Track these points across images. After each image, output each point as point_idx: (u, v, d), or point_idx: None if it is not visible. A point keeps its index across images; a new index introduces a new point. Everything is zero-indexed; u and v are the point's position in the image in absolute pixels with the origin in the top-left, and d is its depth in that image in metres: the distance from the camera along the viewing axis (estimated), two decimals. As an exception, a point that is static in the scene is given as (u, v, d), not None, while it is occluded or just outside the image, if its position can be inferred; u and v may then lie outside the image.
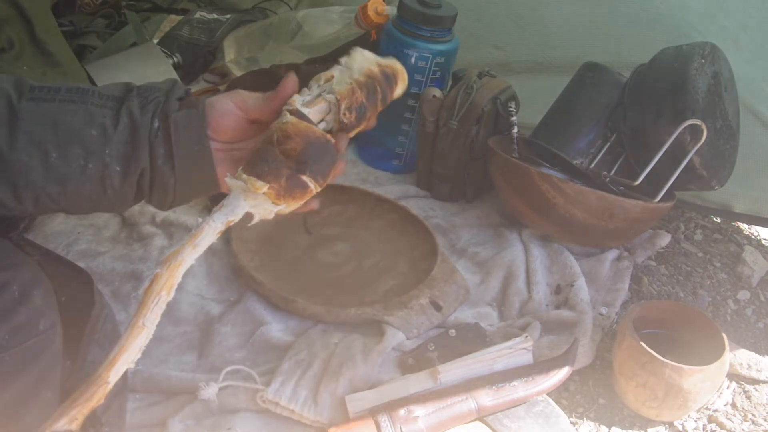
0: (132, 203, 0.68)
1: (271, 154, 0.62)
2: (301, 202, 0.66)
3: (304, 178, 0.63)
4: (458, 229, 1.17)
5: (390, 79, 0.79)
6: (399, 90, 0.78)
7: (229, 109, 0.67)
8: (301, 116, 0.66)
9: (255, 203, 0.63)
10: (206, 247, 0.60)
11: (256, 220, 0.65)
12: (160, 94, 0.67)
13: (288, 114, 0.64)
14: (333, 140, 0.65)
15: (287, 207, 0.65)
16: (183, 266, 0.58)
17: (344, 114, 0.73)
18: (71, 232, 1.06)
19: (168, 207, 0.70)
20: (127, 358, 0.56)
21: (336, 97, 0.73)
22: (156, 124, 0.65)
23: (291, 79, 0.67)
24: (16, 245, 0.74)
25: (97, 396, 0.54)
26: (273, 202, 0.64)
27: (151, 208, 1.09)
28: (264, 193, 0.62)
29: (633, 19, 1.19)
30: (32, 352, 0.61)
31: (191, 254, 0.59)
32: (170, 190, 0.66)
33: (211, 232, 0.60)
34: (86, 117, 0.63)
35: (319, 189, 0.65)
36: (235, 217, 0.62)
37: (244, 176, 0.62)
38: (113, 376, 0.55)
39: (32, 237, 1.01)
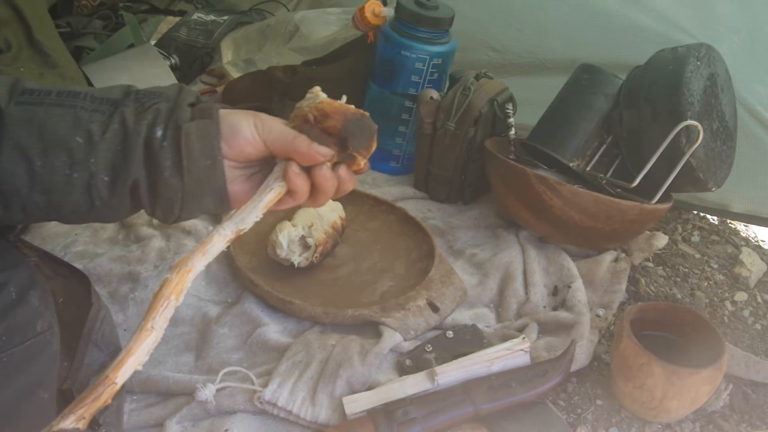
0: (128, 214, 0.64)
1: (314, 132, 0.64)
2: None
3: (350, 152, 0.65)
4: (456, 230, 1.17)
5: (343, 230, 1.07)
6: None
7: (249, 135, 0.62)
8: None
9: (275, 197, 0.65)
10: (216, 255, 0.62)
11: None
12: (161, 100, 0.62)
13: (321, 93, 0.66)
14: (367, 113, 0.66)
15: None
16: (193, 272, 0.60)
17: (316, 257, 1.00)
18: (68, 233, 1.06)
19: (173, 221, 0.65)
20: (135, 360, 0.57)
21: (315, 243, 0.98)
22: (159, 133, 0.60)
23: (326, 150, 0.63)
24: (14, 246, 0.74)
25: (104, 396, 0.55)
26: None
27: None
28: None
29: (629, 22, 1.20)
30: (29, 353, 0.61)
31: (201, 261, 0.61)
32: (177, 204, 0.62)
33: (221, 240, 0.62)
34: (73, 122, 0.59)
35: (364, 161, 0.66)
36: (246, 226, 0.63)
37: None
38: (121, 377, 0.56)
39: (29, 238, 1.00)
